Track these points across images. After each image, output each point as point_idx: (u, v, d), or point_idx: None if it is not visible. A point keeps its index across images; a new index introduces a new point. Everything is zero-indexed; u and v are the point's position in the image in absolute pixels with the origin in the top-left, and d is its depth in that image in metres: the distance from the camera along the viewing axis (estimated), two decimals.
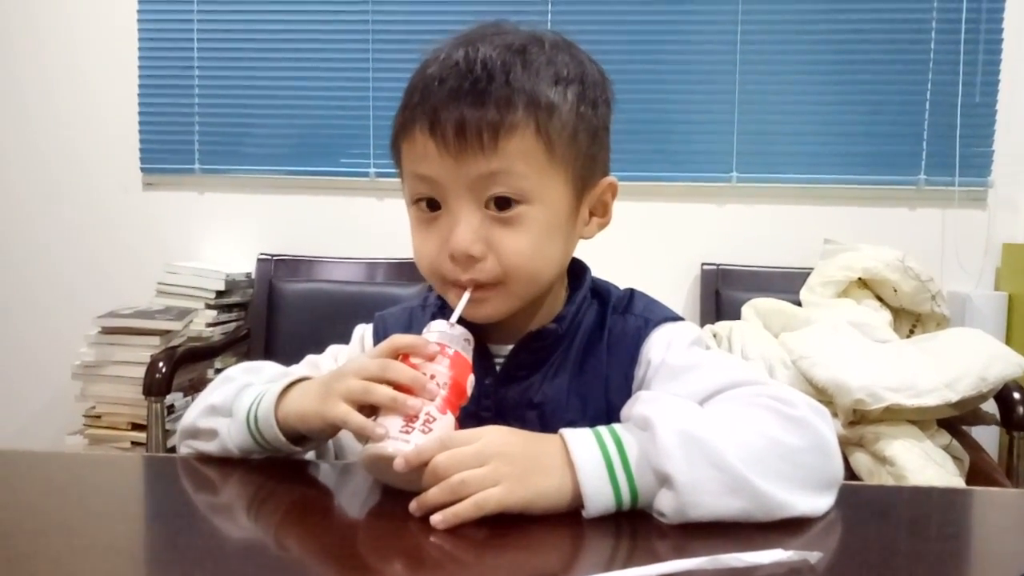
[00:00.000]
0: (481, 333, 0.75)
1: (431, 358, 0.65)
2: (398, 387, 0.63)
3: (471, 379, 0.67)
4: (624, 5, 2.41)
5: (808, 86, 2.38)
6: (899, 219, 2.37)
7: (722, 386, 0.68)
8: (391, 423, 0.62)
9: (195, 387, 2.24)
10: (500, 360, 0.77)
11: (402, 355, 0.66)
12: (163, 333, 2.19)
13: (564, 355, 0.77)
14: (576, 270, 0.82)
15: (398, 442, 0.61)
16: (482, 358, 0.76)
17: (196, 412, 0.77)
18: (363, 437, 0.64)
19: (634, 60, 2.41)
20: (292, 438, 0.71)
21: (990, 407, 1.83)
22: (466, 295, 0.70)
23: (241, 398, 0.74)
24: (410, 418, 0.62)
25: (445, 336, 0.67)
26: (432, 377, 0.64)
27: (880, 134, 2.36)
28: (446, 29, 0.74)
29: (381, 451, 0.62)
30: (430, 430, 0.62)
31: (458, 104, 0.67)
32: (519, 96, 0.68)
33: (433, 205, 0.72)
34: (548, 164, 0.70)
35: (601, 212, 0.78)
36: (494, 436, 0.62)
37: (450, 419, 0.64)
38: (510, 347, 0.77)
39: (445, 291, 0.75)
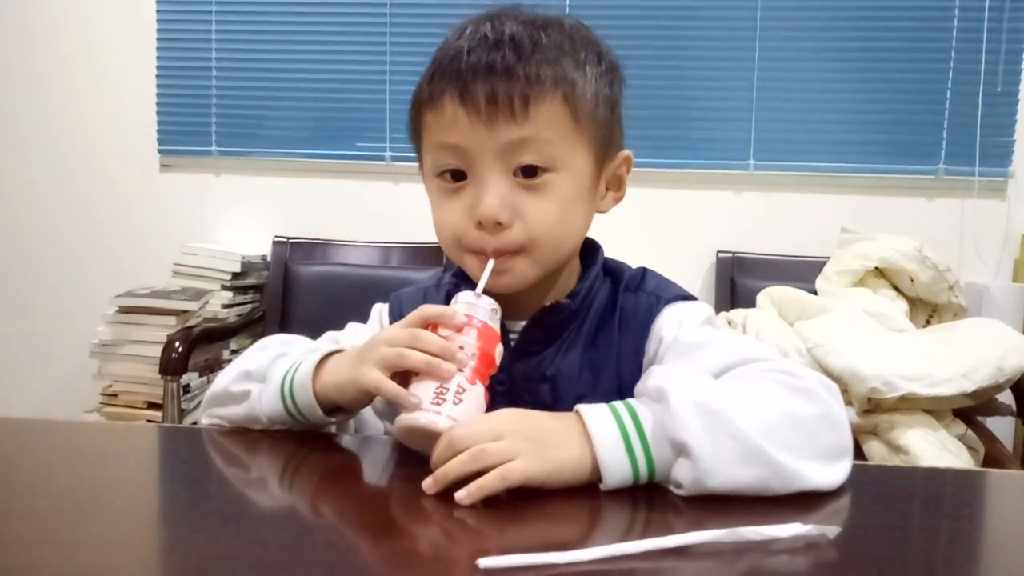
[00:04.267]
0: None
1: (459, 329, 0.66)
2: None
3: (499, 349, 0.68)
4: None
5: (827, 73, 2.36)
6: (917, 208, 2.35)
7: (732, 363, 0.69)
8: (423, 393, 0.63)
9: (211, 367, 2.26)
10: (514, 335, 0.78)
11: (431, 325, 0.67)
12: (179, 313, 2.21)
13: (577, 330, 0.78)
14: (589, 248, 0.83)
15: (430, 413, 0.62)
16: None
17: (230, 377, 0.79)
18: (397, 406, 0.65)
19: (652, 47, 2.40)
20: (325, 409, 0.72)
21: (1006, 398, 1.82)
22: (490, 264, 0.71)
23: (276, 366, 0.75)
24: (441, 389, 0.63)
25: (472, 307, 0.68)
26: (461, 348, 0.65)
27: (900, 122, 2.33)
28: (463, 13, 0.75)
29: (414, 422, 0.63)
30: (460, 400, 0.63)
31: (489, 74, 0.69)
32: (547, 67, 0.70)
33: (458, 176, 0.73)
34: (573, 132, 0.72)
35: (616, 186, 0.80)
36: (508, 414, 0.63)
37: (480, 389, 0.65)
38: (523, 323, 0.78)
39: (466, 262, 0.76)
